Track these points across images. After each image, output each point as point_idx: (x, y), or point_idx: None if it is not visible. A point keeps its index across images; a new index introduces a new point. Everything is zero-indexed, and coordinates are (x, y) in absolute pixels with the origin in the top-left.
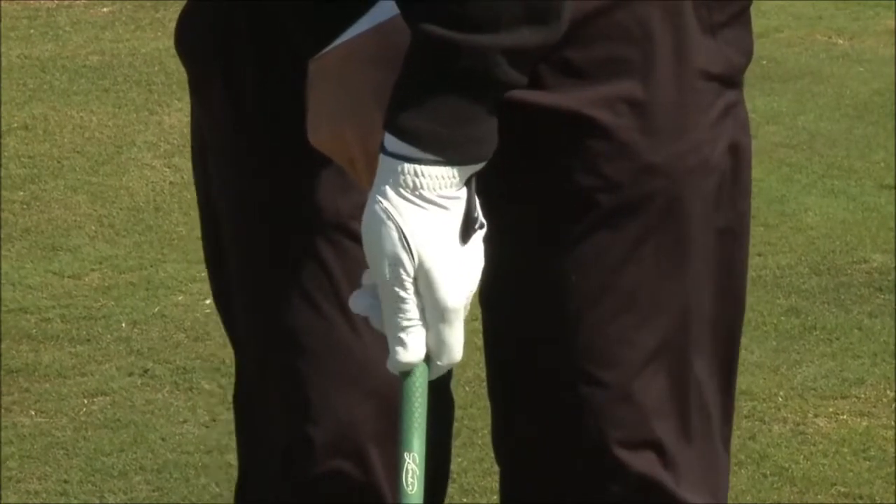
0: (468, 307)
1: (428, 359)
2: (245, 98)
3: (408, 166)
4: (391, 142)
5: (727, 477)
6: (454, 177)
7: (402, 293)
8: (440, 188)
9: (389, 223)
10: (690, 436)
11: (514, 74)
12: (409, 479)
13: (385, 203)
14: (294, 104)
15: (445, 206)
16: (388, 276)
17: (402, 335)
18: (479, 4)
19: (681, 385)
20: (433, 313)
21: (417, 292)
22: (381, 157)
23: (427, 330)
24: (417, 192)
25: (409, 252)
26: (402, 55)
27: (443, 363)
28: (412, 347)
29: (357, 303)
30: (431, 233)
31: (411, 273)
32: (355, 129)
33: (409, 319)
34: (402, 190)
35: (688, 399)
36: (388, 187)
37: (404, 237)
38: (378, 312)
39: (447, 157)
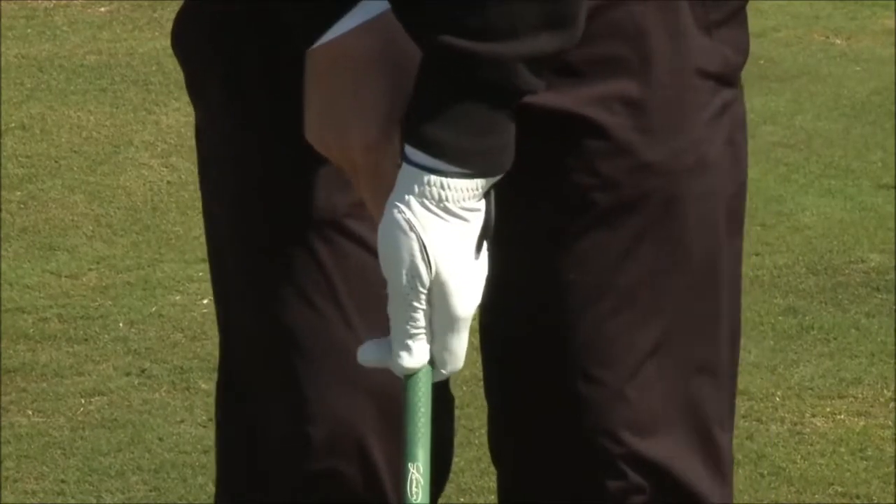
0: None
1: (430, 364)
2: (242, 97)
3: (434, 178)
4: (414, 153)
5: (730, 478)
6: (478, 188)
7: (415, 303)
8: (464, 200)
9: (411, 234)
10: (690, 435)
11: (534, 81)
12: (414, 490)
13: (408, 214)
14: (291, 103)
15: (467, 219)
16: (403, 285)
17: (409, 342)
18: (495, 13)
19: (681, 384)
20: (442, 323)
21: (429, 302)
22: (405, 166)
23: (433, 338)
24: (442, 205)
25: (428, 264)
26: (393, 55)
27: (447, 371)
28: (417, 354)
29: (366, 355)
30: (451, 246)
31: (427, 284)
32: (340, 137)
33: (418, 328)
34: (426, 202)
35: (688, 398)
36: (412, 198)
37: (424, 249)
38: (387, 360)
39: (473, 168)
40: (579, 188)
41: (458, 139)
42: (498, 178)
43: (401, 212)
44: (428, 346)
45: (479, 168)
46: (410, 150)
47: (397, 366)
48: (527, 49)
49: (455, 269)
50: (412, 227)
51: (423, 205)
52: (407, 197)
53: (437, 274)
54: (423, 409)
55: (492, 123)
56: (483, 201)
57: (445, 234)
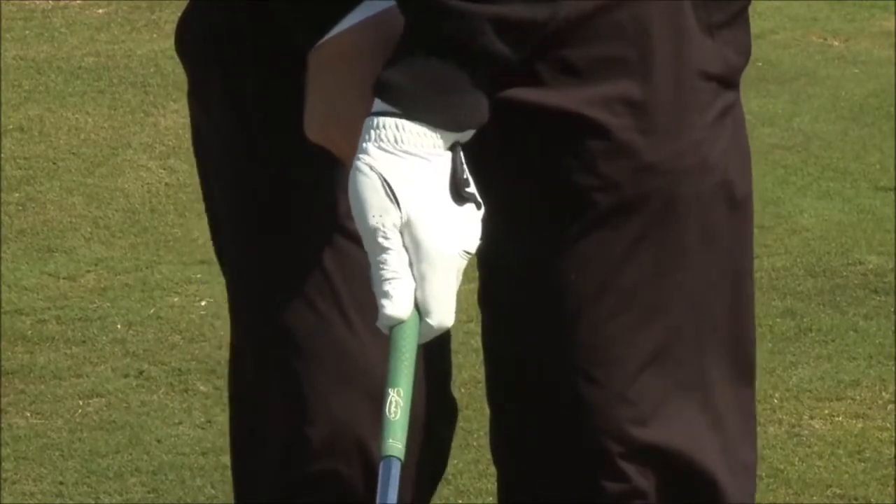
0: (460, 274)
1: (418, 311)
2: (244, 99)
3: (389, 120)
4: (375, 104)
5: (751, 477)
6: (437, 138)
7: (385, 242)
8: (422, 146)
9: (372, 174)
10: (694, 437)
11: (502, 47)
12: (393, 409)
13: (367, 158)
14: (293, 105)
15: (427, 158)
16: (373, 225)
17: (387, 287)
18: None
19: (684, 385)
20: (419, 264)
21: (404, 246)
22: (365, 120)
23: (416, 284)
24: (400, 146)
25: (395, 200)
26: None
27: (432, 321)
28: (397, 299)
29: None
30: (414, 180)
31: (397, 222)
32: (344, 128)
33: (394, 271)
34: (382, 144)
35: (692, 400)
36: (368, 144)
37: (388, 185)
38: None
39: (429, 119)
40: (580, 188)
41: (415, 87)
42: (462, 136)
43: (359, 159)
44: (410, 294)
45: (432, 118)
46: (374, 102)
47: (381, 316)
48: (496, 11)
49: (423, 204)
50: (373, 168)
51: (379, 147)
52: (365, 144)
53: (406, 211)
54: (408, 348)
55: (452, 79)
56: (448, 152)
57: (405, 169)
